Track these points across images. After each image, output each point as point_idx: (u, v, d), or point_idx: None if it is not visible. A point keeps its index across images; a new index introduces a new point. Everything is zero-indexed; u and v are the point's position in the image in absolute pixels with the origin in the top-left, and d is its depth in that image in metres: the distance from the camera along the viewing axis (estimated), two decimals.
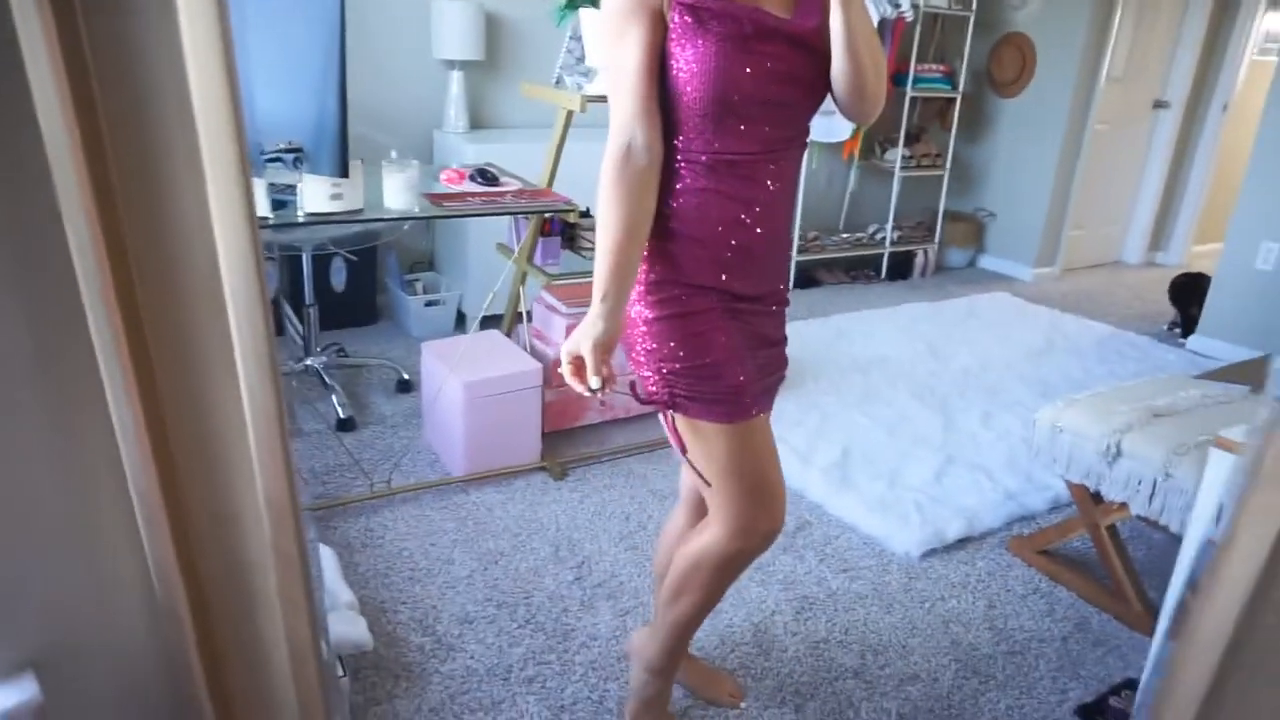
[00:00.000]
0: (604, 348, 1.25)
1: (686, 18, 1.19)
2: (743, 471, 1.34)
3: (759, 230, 1.29)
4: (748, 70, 1.19)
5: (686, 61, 1.20)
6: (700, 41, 1.19)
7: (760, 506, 1.36)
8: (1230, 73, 5.22)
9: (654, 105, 1.23)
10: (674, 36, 1.21)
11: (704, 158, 1.25)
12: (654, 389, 1.35)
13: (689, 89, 1.21)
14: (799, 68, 1.23)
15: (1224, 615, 0.66)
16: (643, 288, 1.32)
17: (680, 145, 1.26)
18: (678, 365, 1.30)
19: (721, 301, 1.31)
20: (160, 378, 0.76)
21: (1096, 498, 2.13)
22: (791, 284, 4.63)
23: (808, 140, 1.36)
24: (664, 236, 1.29)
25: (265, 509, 0.78)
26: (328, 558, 1.80)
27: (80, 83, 0.66)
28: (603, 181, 1.23)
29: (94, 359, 0.74)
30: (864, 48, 1.20)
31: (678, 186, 1.28)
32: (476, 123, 3.79)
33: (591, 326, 1.25)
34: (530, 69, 3.80)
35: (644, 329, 1.33)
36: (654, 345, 1.32)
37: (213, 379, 0.76)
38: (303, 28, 1.84)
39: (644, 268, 1.31)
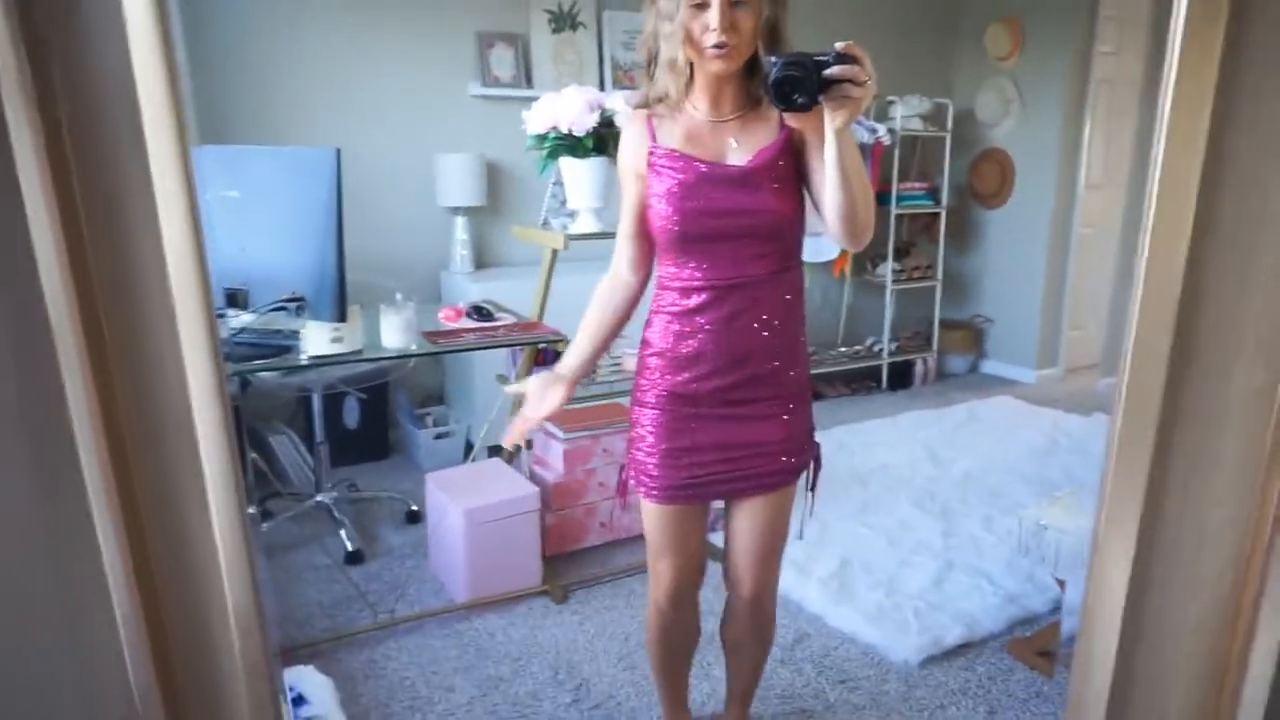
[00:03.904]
0: (541, 388, 1.63)
1: (653, 171, 1.49)
2: (647, 539, 1.68)
3: (712, 345, 1.51)
4: (694, 206, 1.44)
5: (655, 204, 1.49)
6: (661, 186, 1.47)
7: (651, 569, 1.70)
8: None
9: (637, 239, 1.59)
10: (648, 186, 1.50)
11: (672, 282, 1.53)
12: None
13: (656, 224, 1.50)
14: (740, 203, 1.44)
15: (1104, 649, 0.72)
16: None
17: (661, 272, 1.56)
18: (631, 443, 1.65)
19: (669, 404, 1.57)
20: (143, 509, 0.86)
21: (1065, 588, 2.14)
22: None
23: (789, 263, 1.52)
24: (641, 352, 1.62)
25: (234, 620, 0.86)
26: (325, 687, 1.84)
27: (77, 254, 0.80)
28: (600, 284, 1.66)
29: (86, 502, 0.85)
30: (855, 178, 1.35)
31: (653, 310, 1.58)
32: (481, 262, 4.01)
33: (547, 372, 1.63)
34: (528, 210, 4.04)
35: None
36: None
37: (188, 507, 0.86)
38: (304, 192, 2.04)
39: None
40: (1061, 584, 2.18)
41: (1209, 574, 0.71)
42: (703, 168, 1.44)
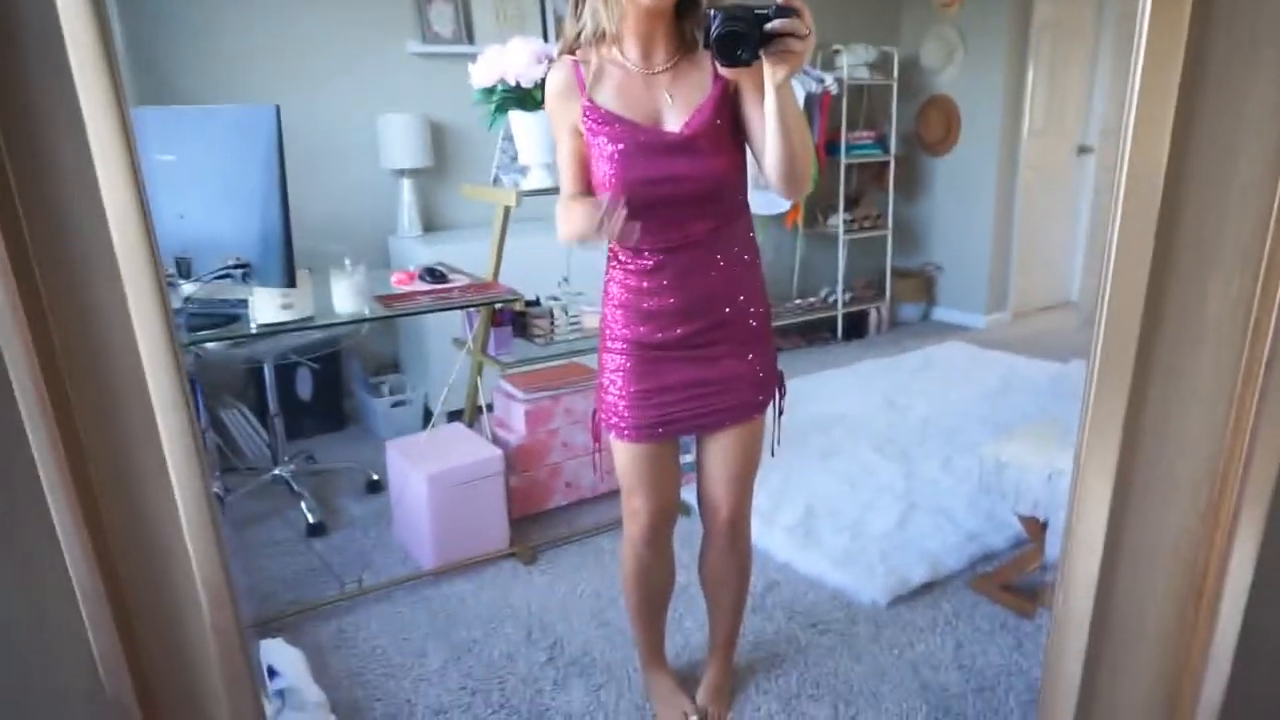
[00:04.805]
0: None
1: (590, 131, 1.44)
2: (621, 479, 1.68)
3: (672, 300, 1.52)
4: (636, 176, 1.42)
5: (597, 165, 1.47)
6: (602, 151, 1.44)
7: (626, 508, 1.70)
8: None
9: (585, 185, 1.53)
10: (588, 144, 1.47)
11: (627, 244, 1.49)
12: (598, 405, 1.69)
13: (602, 188, 1.47)
14: (681, 170, 1.43)
15: (1083, 593, 0.73)
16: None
17: None
18: (601, 388, 1.66)
19: (635, 349, 1.58)
20: (96, 480, 0.82)
21: (1047, 527, 2.19)
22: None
23: (736, 215, 1.54)
24: (604, 302, 1.62)
25: (202, 592, 0.83)
26: (296, 659, 1.81)
27: (16, 240, 0.75)
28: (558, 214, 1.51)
29: (35, 471, 0.81)
30: (794, 129, 1.36)
31: (610, 265, 1.57)
32: (430, 225, 3.92)
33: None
34: (476, 171, 3.95)
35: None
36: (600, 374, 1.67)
37: (147, 477, 0.82)
38: (243, 153, 1.95)
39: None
40: (1022, 520, 2.22)
41: (1188, 485, 0.72)
42: (641, 136, 1.43)
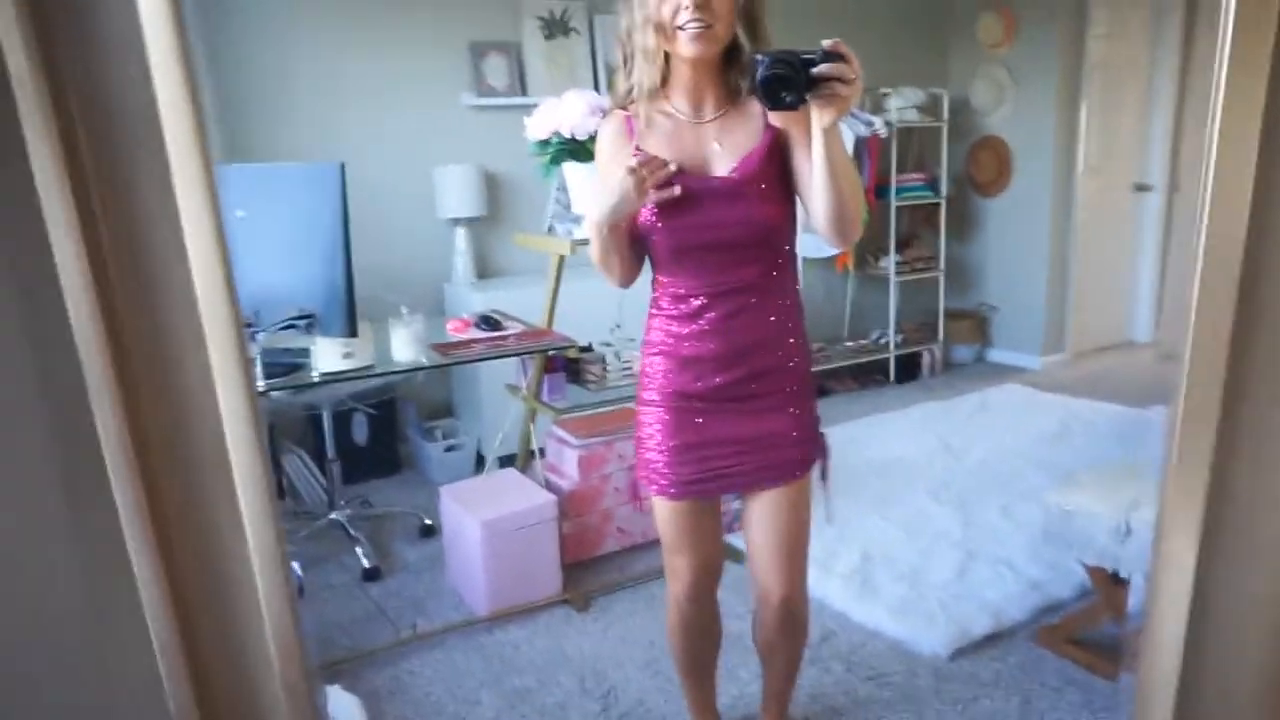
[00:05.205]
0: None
1: None
2: (662, 536, 1.67)
3: (712, 345, 1.50)
4: (682, 225, 1.43)
5: (643, 213, 1.46)
6: (648, 200, 1.43)
7: (668, 566, 1.69)
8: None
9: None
10: None
11: (667, 289, 1.52)
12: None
13: (650, 235, 1.47)
14: (727, 215, 1.43)
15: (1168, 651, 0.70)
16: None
17: (655, 278, 1.53)
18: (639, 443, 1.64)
19: (674, 402, 1.55)
20: (175, 536, 0.84)
21: (1116, 578, 2.12)
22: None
23: (782, 262, 1.52)
24: (644, 351, 1.60)
25: (273, 646, 0.84)
26: (353, 705, 1.82)
27: (103, 286, 0.78)
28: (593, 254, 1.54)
29: (118, 525, 0.83)
30: (842, 174, 1.36)
31: (652, 312, 1.55)
32: (484, 273, 3.99)
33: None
34: (528, 219, 4.02)
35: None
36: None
37: (221, 532, 0.85)
38: (310, 208, 2.02)
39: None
40: (1089, 570, 2.16)
41: (1277, 544, 0.69)
42: (690, 182, 1.43)
